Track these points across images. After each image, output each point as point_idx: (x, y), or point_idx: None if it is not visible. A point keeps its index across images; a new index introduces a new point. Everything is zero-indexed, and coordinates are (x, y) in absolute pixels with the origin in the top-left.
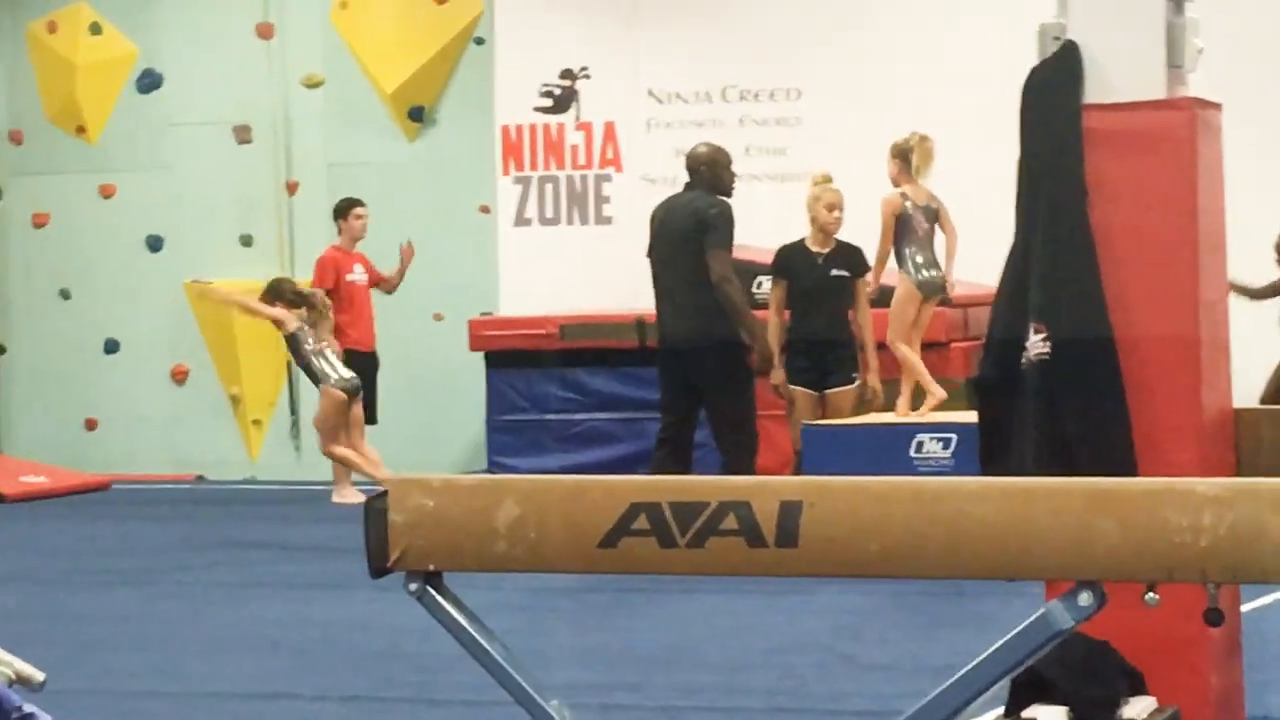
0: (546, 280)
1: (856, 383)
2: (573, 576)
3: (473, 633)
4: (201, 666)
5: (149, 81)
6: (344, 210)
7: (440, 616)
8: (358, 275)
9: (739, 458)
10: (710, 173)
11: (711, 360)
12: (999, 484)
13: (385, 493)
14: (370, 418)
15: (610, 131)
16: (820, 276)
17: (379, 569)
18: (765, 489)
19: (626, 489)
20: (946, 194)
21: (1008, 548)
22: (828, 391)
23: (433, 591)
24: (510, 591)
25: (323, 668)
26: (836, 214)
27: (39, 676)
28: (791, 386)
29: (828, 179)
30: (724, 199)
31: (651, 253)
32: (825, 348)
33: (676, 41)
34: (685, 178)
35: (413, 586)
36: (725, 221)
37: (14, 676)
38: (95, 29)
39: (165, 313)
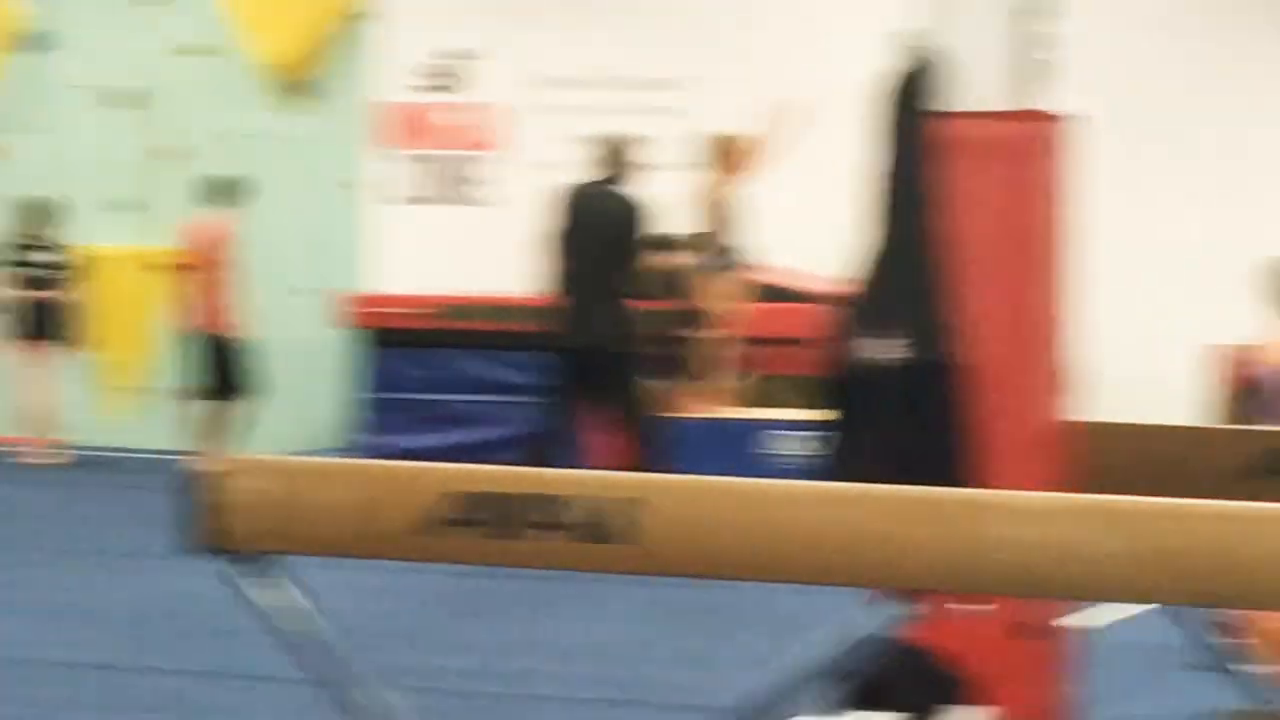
0: (423, 259)
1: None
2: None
3: (296, 615)
4: (22, 634)
5: (36, 44)
6: (228, 190)
7: (263, 598)
8: (228, 254)
9: (642, 451)
10: (628, 163)
11: (623, 364)
12: (822, 489)
13: (217, 472)
14: (248, 391)
15: (493, 113)
16: None
17: (208, 548)
18: (603, 484)
19: (461, 478)
20: (817, 191)
21: (827, 554)
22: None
23: (257, 572)
24: (356, 571)
25: (154, 640)
26: None
27: None
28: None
29: None
30: (650, 198)
31: (559, 240)
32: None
33: (563, 26)
34: (567, 161)
35: (239, 567)
36: (652, 223)
37: None
38: None
39: None
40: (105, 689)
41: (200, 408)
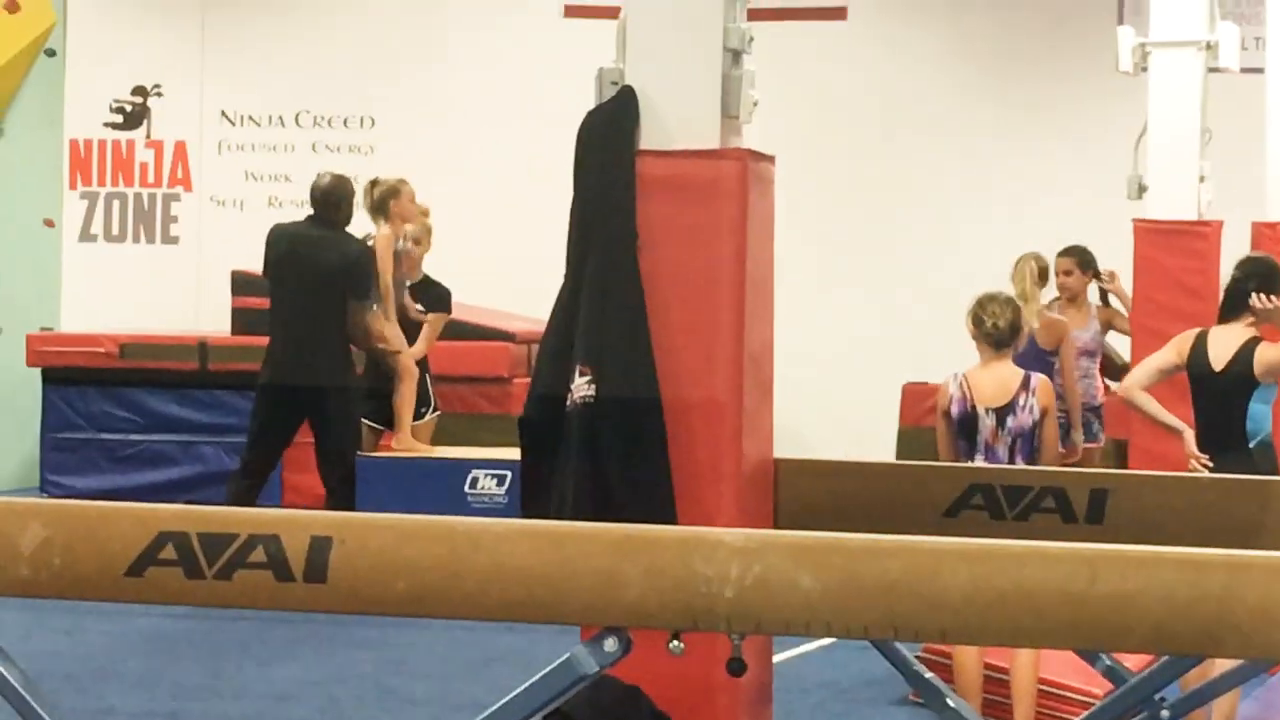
0: (110, 298)
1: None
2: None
3: None
4: None
5: None
6: None
7: None
8: None
9: (344, 493)
10: (345, 208)
11: (333, 405)
12: (529, 526)
13: None
14: None
15: (181, 150)
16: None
17: None
18: (296, 523)
19: (155, 517)
20: (517, 231)
21: (536, 591)
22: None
23: None
24: (50, 612)
25: None
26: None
27: None
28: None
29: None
30: (367, 244)
31: (274, 282)
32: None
33: (250, 63)
34: (254, 198)
35: None
36: (370, 270)
37: None
38: None
39: None
40: None
41: None
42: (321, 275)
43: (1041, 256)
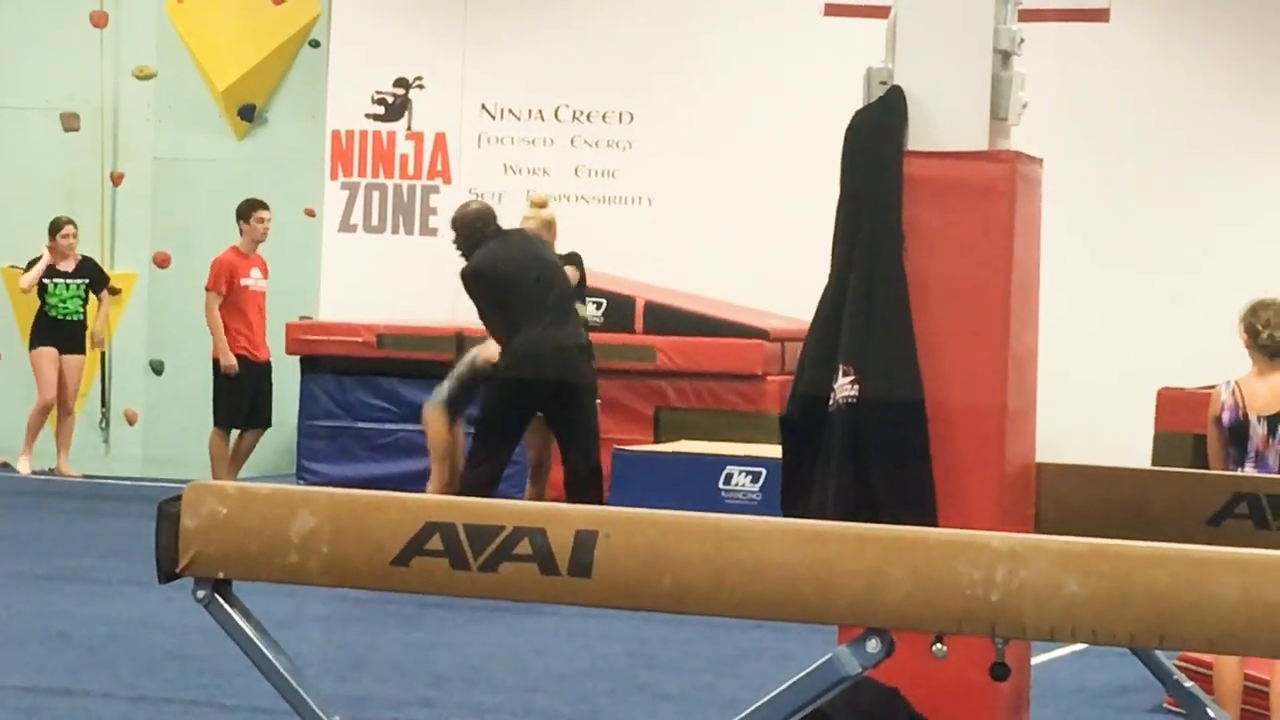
0: (368, 288)
1: None
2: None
3: (258, 643)
4: None
5: None
6: (246, 212)
7: (226, 625)
8: (253, 280)
9: (595, 487)
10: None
11: (576, 398)
12: (795, 526)
13: (179, 496)
14: (266, 421)
15: (441, 142)
16: None
17: (167, 574)
18: (562, 516)
19: (422, 507)
20: (773, 229)
21: (800, 591)
22: None
23: (220, 599)
24: (308, 599)
25: (113, 665)
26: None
27: None
28: None
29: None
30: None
31: (508, 290)
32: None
33: (512, 57)
34: (513, 191)
35: (200, 594)
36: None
37: None
38: None
39: None
40: (58, 714)
41: (213, 435)
42: (552, 266)
43: None
